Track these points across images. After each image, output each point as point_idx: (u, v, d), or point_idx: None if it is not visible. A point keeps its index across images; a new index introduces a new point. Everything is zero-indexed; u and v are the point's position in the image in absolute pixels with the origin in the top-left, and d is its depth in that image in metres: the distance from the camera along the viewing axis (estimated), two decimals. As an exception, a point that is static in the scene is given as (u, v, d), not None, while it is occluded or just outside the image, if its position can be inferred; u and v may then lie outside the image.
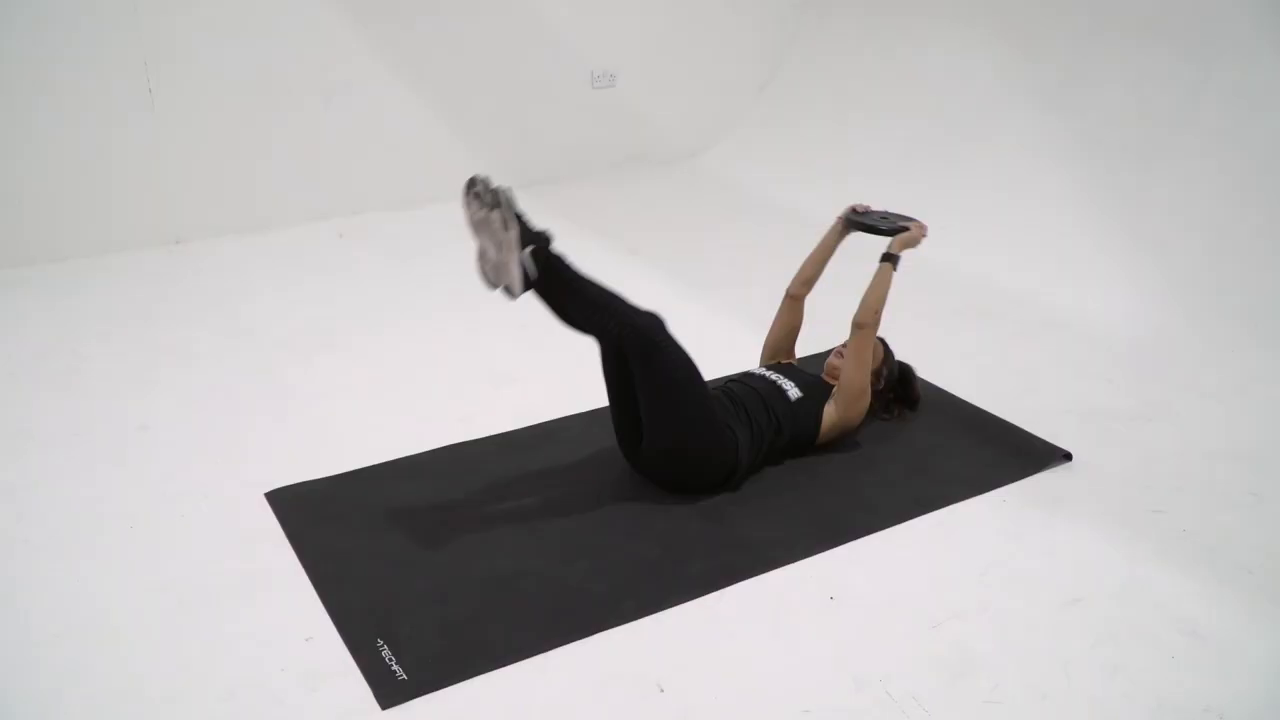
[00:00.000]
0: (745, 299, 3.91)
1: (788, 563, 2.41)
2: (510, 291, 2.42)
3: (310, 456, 2.83)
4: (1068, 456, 2.82)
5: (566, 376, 3.26)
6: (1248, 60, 3.90)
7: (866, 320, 2.77)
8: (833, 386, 2.87)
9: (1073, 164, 4.29)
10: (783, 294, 3.09)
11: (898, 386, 3.00)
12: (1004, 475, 2.75)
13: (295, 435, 2.96)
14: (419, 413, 3.09)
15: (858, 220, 2.98)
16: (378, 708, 1.98)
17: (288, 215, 4.71)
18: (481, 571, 2.37)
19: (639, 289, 4.03)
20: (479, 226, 2.40)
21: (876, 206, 3.04)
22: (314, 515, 2.57)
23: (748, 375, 2.87)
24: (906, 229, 2.88)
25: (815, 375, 2.91)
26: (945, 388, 3.21)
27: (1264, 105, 3.81)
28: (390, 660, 2.09)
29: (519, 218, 2.40)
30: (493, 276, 2.43)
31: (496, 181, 2.38)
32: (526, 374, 3.34)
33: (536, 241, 2.41)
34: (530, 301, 3.92)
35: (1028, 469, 2.78)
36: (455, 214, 4.89)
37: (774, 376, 2.83)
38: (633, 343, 2.50)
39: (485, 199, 2.37)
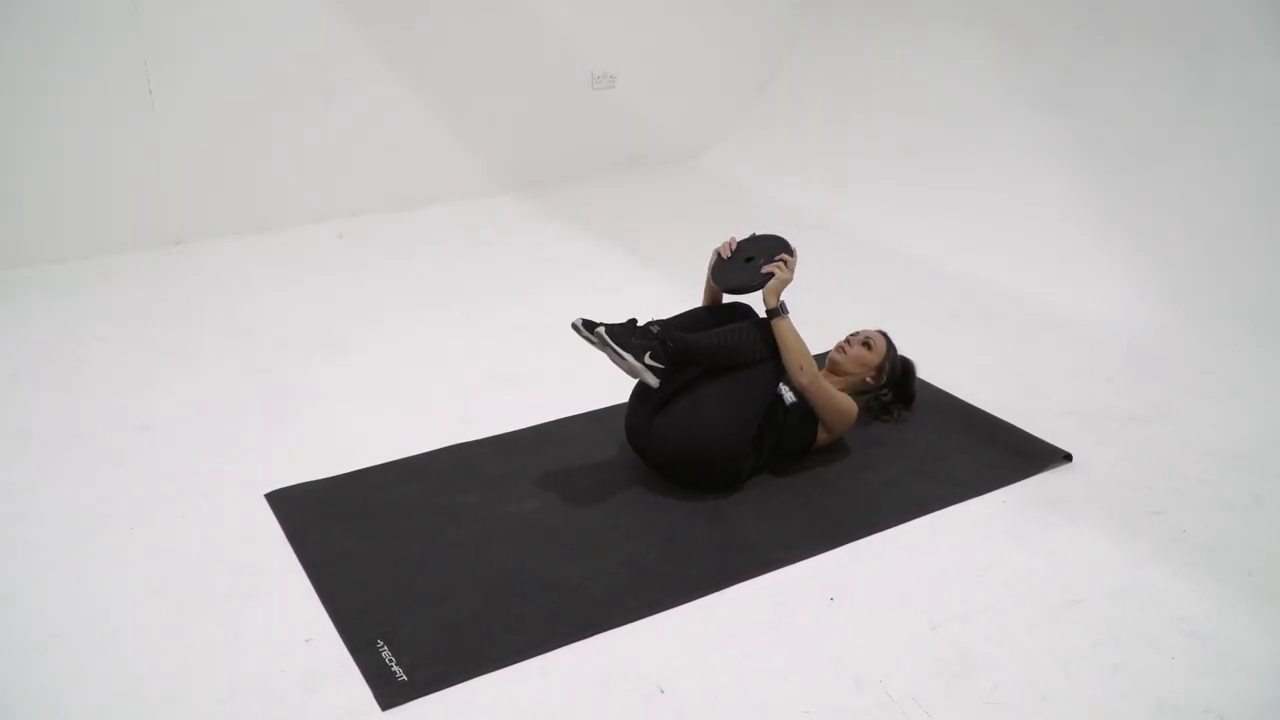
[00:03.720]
0: (744, 299, 3.90)
1: (788, 563, 2.41)
2: (653, 384, 2.60)
3: (310, 457, 2.83)
4: (1068, 457, 2.82)
5: (566, 377, 3.26)
6: (1248, 60, 3.90)
7: (801, 381, 2.65)
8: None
9: (1073, 164, 4.29)
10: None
11: (899, 383, 2.99)
12: (1004, 476, 2.75)
13: (295, 436, 2.96)
14: (419, 413, 3.09)
15: (722, 282, 2.76)
16: (378, 708, 1.98)
17: (288, 215, 4.71)
18: (481, 572, 2.37)
19: (639, 289, 4.06)
20: (600, 348, 2.58)
21: (743, 234, 2.84)
22: (314, 516, 2.57)
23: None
24: (770, 275, 2.66)
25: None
26: (946, 388, 3.21)
27: (1264, 105, 3.81)
28: (390, 661, 2.09)
29: (624, 341, 2.56)
30: (632, 376, 2.61)
31: (597, 322, 2.57)
32: (526, 375, 3.34)
33: (647, 344, 2.58)
34: (531, 302, 3.94)
35: (1028, 470, 2.78)
36: (455, 214, 4.93)
37: (772, 379, 2.82)
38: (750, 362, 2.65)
39: (592, 339, 2.57)
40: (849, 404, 2.76)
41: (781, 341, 2.64)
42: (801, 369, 2.63)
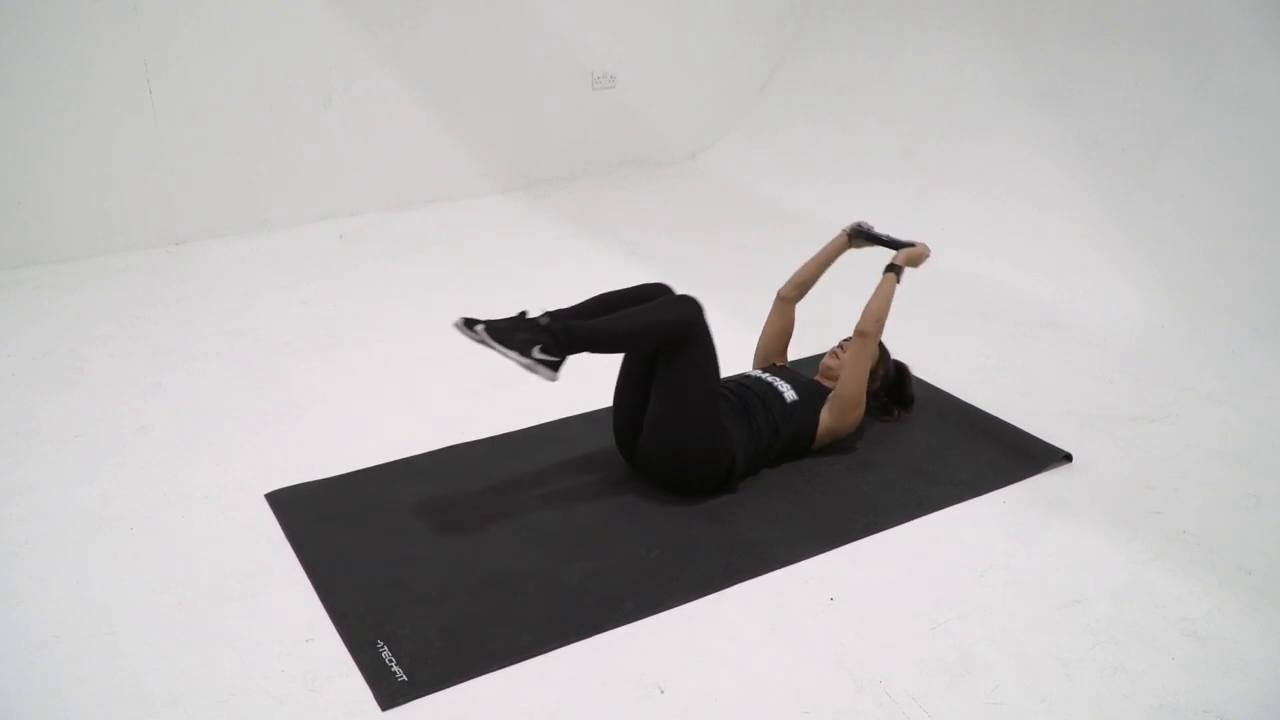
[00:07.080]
0: (745, 299, 3.90)
1: (788, 563, 2.41)
2: (550, 379, 2.48)
3: (310, 457, 2.83)
4: (1068, 457, 2.82)
5: (566, 377, 3.26)
6: (1248, 61, 3.90)
7: (868, 328, 2.78)
8: (829, 390, 2.87)
9: (1073, 164, 4.29)
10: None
11: (893, 386, 3.00)
12: (1004, 476, 2.75)
13: (295, 436, 2.96)
14: (419, 413, 3.09)
15: (863, 232, 3.00)
16: (378, 708, 1.98)
17: (288, 215, 4.72)
18: (481, 572, 2.37)
19: (639, 289, 4.05)
20: (489, 346, 2.43)
21: (880, 229, 3.04)
22: (314, 516, 2.57)
23: (744, 377, 2.87)
24: (912, 244, 2.92)
25: (810, 378, 2.92)
26: (945, 389, 3.21)
27: (1264, 105, 3.81)
28: (390, 661, 2.09)
29: (506, 337, 2.41)
30: (529, 372, 2.47)
31: (478, 319, 2.42)
32: (526, 375, 3.33)
33: (535, 337, 2.42)
34: (532, 302, 3.92)
35: (1028, 470, 2.78)
36: (455, 214, 4.93)
37: (770, 379, 2.83)
38: (667, 345, 2.52)
39: (473, 336, 2.41)
40: (862, 390, 2.80)
41: (881, 292, 2.81)
42: (876, 321, 2.78)
